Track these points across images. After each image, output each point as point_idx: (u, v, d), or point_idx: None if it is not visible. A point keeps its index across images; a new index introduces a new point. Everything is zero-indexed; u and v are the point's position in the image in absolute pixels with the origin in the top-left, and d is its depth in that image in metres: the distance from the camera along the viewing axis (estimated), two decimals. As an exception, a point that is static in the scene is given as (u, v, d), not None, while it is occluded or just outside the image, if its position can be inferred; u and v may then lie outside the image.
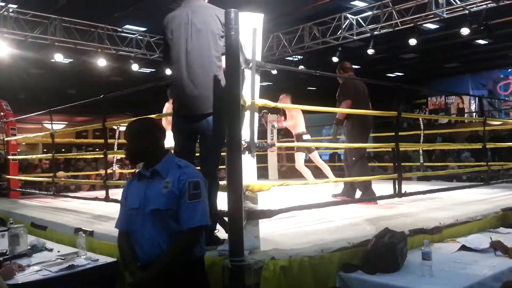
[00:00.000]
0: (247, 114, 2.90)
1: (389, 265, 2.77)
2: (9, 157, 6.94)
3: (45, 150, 16.05)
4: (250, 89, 2.87)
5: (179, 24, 3.06)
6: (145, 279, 2.12)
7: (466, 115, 17.91)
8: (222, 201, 2.77)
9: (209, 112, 3.04)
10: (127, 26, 11.39)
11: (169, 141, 6.84)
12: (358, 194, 5.22)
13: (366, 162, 5.27)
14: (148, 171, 2.29)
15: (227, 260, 2.46)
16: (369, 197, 4.95)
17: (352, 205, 4.53)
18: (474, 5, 8.90)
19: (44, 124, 14.87)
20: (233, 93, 2.61)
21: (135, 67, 11.77)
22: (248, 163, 2.81)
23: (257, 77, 2.96)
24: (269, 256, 2.57)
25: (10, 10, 9.20)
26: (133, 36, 11.35)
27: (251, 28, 2.85)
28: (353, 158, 5.15)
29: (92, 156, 10.69)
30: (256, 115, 3.00)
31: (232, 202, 2.48)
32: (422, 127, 7.82)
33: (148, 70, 14.93)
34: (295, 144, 6.13)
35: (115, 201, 4.89)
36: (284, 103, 6.34)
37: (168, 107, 6.22)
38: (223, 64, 3.06)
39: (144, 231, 2.22)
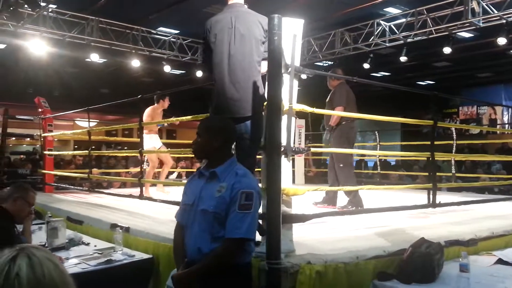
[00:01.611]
0: (284, 118, 2.92)
1: (425, 275, 2.73)
2: (45, 152, 7.17)
3: (76, 146, 16.49)
4: (288, 94, 2.90)
5: (222, 28, 3.12)
6: (185, 277, 2.14)
7: (498, 126, 17.44)
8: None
9: (248, 116, 3.09)
10: (161, 28, 11.60)
11: (153, 144, 6.90)
12: (340, 201, 5.25)
13: (353, 169, 5.30)
14: (208, 171, 2.29)
15: (263, 262, 2.48)
16: (356, 203, 4.99)
17: (384, 214, 4.45)
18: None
19: (76, 122, 15.27)
20: (274, 98, 2.64)
21: (167, 68, 11.97)
22: (284, 167, 2.83)
23: (295, 82, 2.99)
24: (305, 260, 2.58)
25: (50, 10, 9.49)
26: (167, 38, 11.55)
27: (291, 34, 2.87)
28: (341, 165, 5.18)
29: (125, 154, 10.95)
30: (293, 119, 3.02)
31: (270, 205, 2.50)
32: (454, 137, 7.68)
33: (178, 72, 15.16)
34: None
35: (149, 199, 5.01)
36: None
37: (150, 113, 6.28)
38: (263, 69, 3.13)
39: (192, 229, 2.23)
